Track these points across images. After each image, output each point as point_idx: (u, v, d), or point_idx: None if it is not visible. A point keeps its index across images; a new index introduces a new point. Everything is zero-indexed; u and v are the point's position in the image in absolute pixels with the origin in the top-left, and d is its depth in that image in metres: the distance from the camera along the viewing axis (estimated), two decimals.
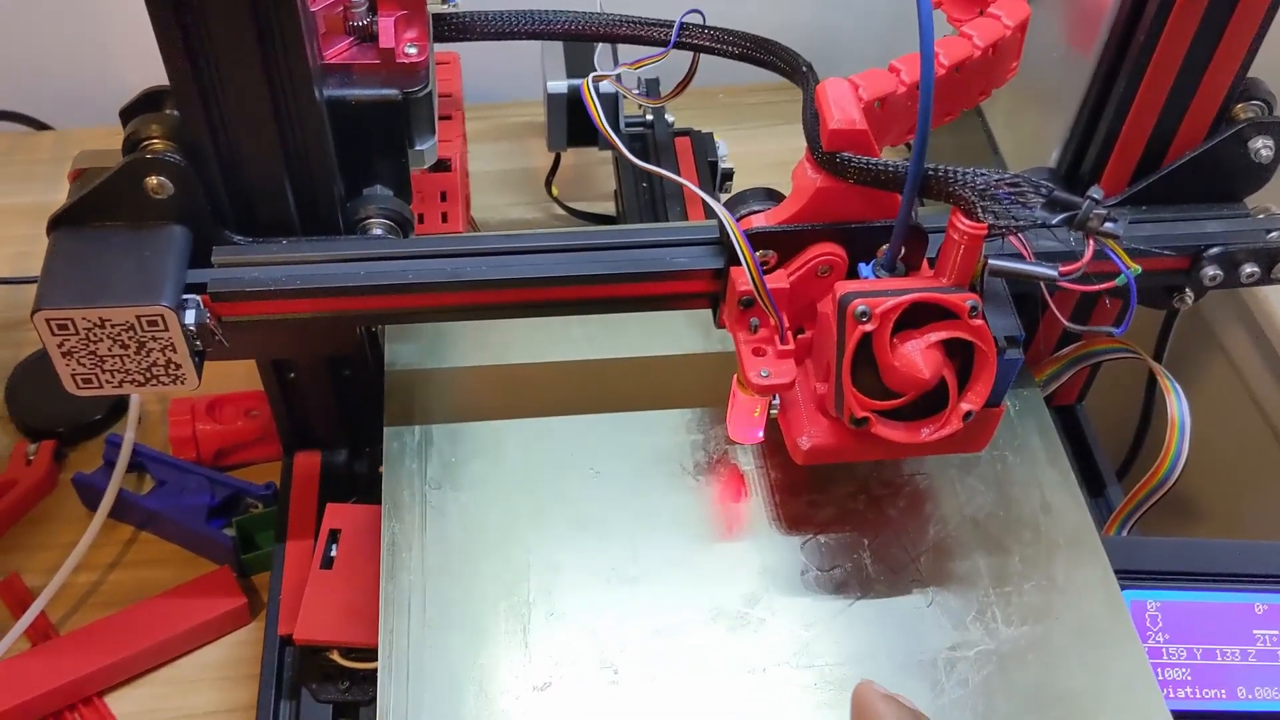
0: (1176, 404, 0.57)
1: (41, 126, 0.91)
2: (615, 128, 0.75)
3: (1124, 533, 0.60)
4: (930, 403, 0.47)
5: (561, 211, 0.84)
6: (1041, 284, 0.45)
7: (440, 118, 0.66)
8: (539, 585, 0.50)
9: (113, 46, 0.85)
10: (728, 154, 0.76)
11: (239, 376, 0.66)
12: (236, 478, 0.67)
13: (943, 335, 0.45)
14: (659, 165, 0.74)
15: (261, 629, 0.61)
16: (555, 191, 0.84)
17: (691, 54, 0.58)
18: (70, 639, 0.61)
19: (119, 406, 0.71)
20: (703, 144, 0.76)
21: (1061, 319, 0.45)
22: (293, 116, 0.46)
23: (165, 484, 0.66)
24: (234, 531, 0.64)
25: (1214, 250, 0.52)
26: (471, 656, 0.48)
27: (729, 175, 0.76)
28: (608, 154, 0.77)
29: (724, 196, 0.77)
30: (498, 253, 0.49)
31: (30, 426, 0.70)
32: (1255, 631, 0.54)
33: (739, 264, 0.47)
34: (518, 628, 0.49)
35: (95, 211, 0.47)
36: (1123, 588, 0.54)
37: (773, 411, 0.51)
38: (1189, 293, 0.56)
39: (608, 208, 0.83)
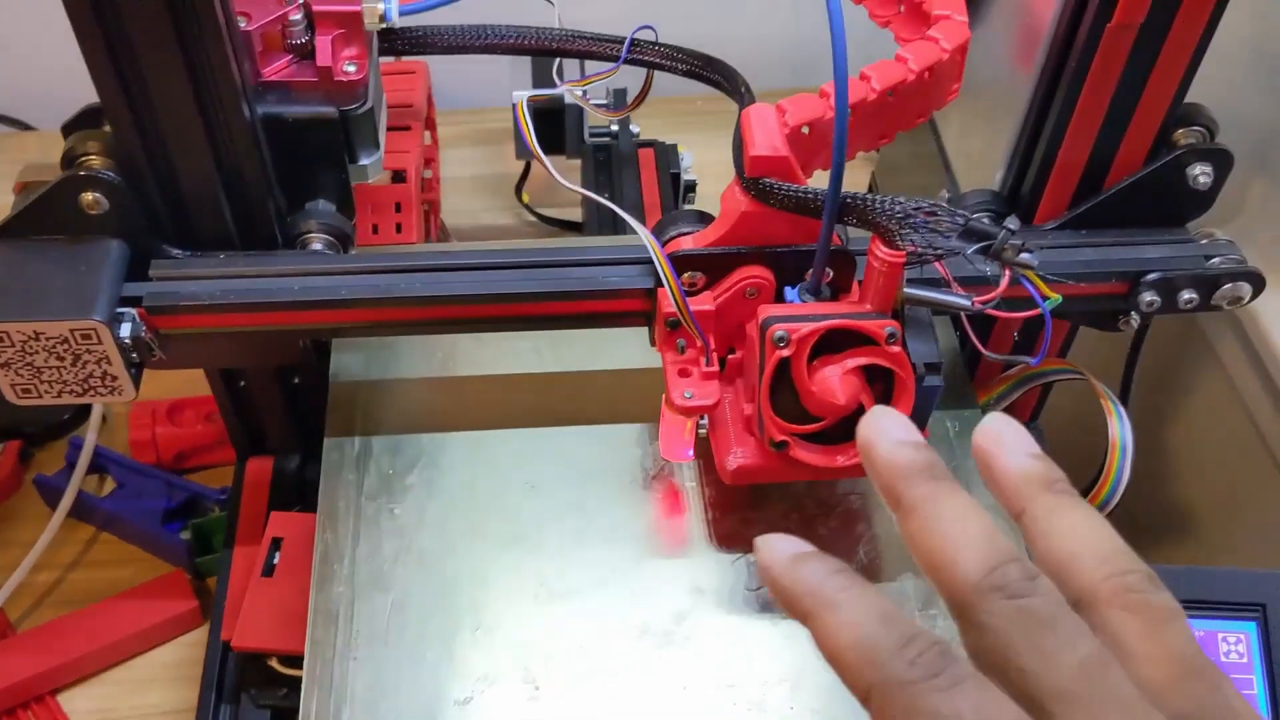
0: (1118, 426, 0.57)
1: (26, 127, 0.93)
2: (580, 139, 0.75)
3: None
4: (852, 427, 0.47)
5: (532, 218, 0.84)
6: (961, 313, 0.45)
7: (397, 128, 0.67)
8: (468, 600, 0.50)
9: None
10: (692, 165, 0.77)
11: (202, 381, 0.67)
12: (194, 481, 0.68)
13: (860, 361, 0.45)
14: (621, 176, 0.74)
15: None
16: (526, 198, 0.84)
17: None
18: (25, 637, 0.62)
19: (85, 408, 0.72)
20: (666, 156, 0.77)
21: (980, 348, 0.45)
22: (225, 134, 0.47)
23: (124, 486, 0.67)
24: (189, 534, 0.65)
25: (1151, 276, 0.52)
26: (396, 670, 0.48)
27: (691, 187, 0.76)
28: (576, 163, 0.77)
29: (687, 207, 0.78)
30: (433, 269, 0.50)
31: None
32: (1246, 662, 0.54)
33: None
34: (444, 641, 0.49)
35: (33, 225, 0.48)
36: None
37: (703, 431, 0.51)
38: (1134, 316, 0.56)
39: (577, 214, 0.83)
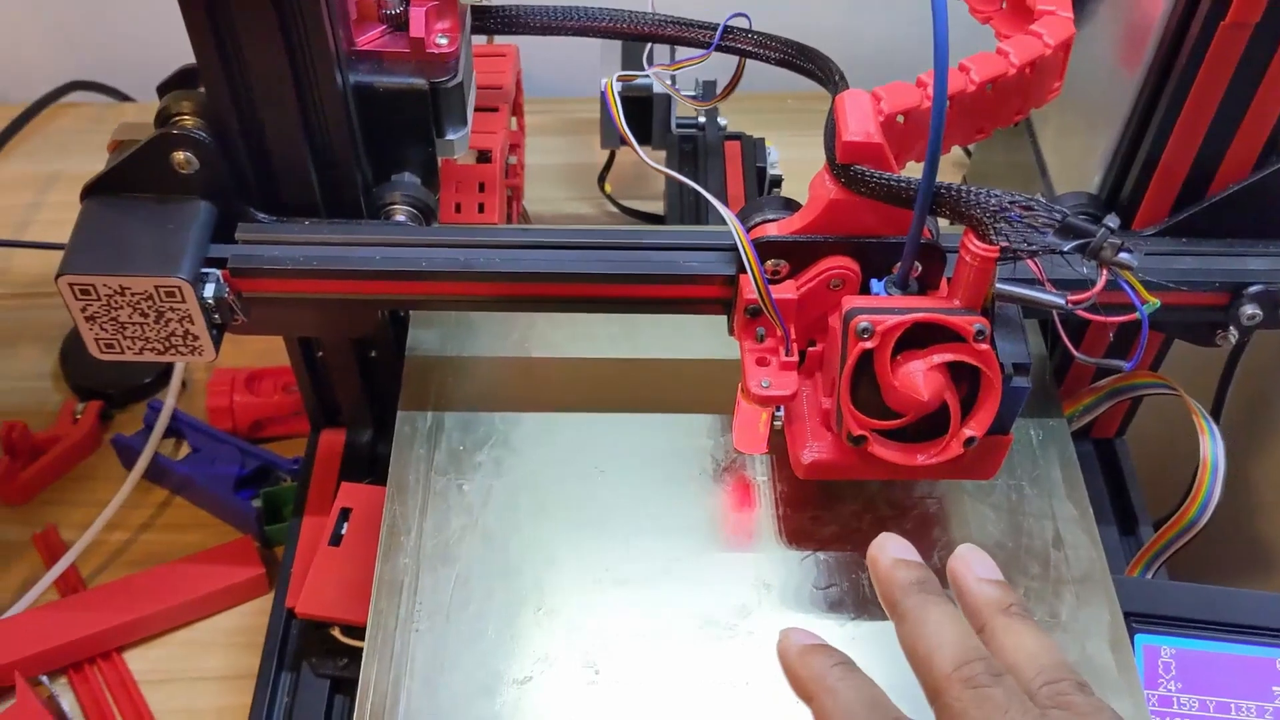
0: (1210, 444, 0.54)
1: (124, 98, 0.95)
2: (667, 129, 0.75)
3: (1149, 574, 0.57)
4: (934, 425, 0.46)
5: (613, 208, 0.84)
6: (1053, 312, 0.43)
7: (485, 109, 0.66)
8: (531, 580, 0.50)
9: None
10: (778, 160, 0.76)
11: (281, 351, 0.67)
12: (268, 450, 0.68)
13: (946, 358, 0.44)
14: (707, 168, 0.74)
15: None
16: (609, 188, 0.84)
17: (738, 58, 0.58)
18: (96, 593, 0.63)
19: (166, 372, 0.73)
20: (753, 149, 0.76)
21: (1071, 349, 0.43)
22: (316, 101, 0.47)
23: (199, 451, 0.68)
24: (260, 502, 0.65)
25: (1254, 288, 0.50)
26: (457, 645, 0.48)
27: (777, 182, 0.75)
28: (661, 154, 0.77)
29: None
30: (512, 246, 0.50)
31: (80, 386, 0.73)
32: (1275, 688, 0.52)
33: (747, 271, 0.46)
34: (506, 620, 0.49)
35: (125, 182, 0.49)
36: (1137, 631, 0.53)
37: (778, 423, 0.50)
38: (1232, 330, 0.54)
39: (658, 207, 0.83)
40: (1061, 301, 0.42)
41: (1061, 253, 0.41)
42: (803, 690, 0.39)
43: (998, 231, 0.42)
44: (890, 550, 0.42)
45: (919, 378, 0.43)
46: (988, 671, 0.36)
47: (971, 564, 0.42)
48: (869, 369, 0.44)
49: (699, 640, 0.49)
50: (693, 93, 0.75)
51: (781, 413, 0.49)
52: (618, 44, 0.75)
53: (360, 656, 0.55)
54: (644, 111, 0.74)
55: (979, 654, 0.37)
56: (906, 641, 0.39)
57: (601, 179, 0.84)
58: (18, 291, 0.80)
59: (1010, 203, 0.41)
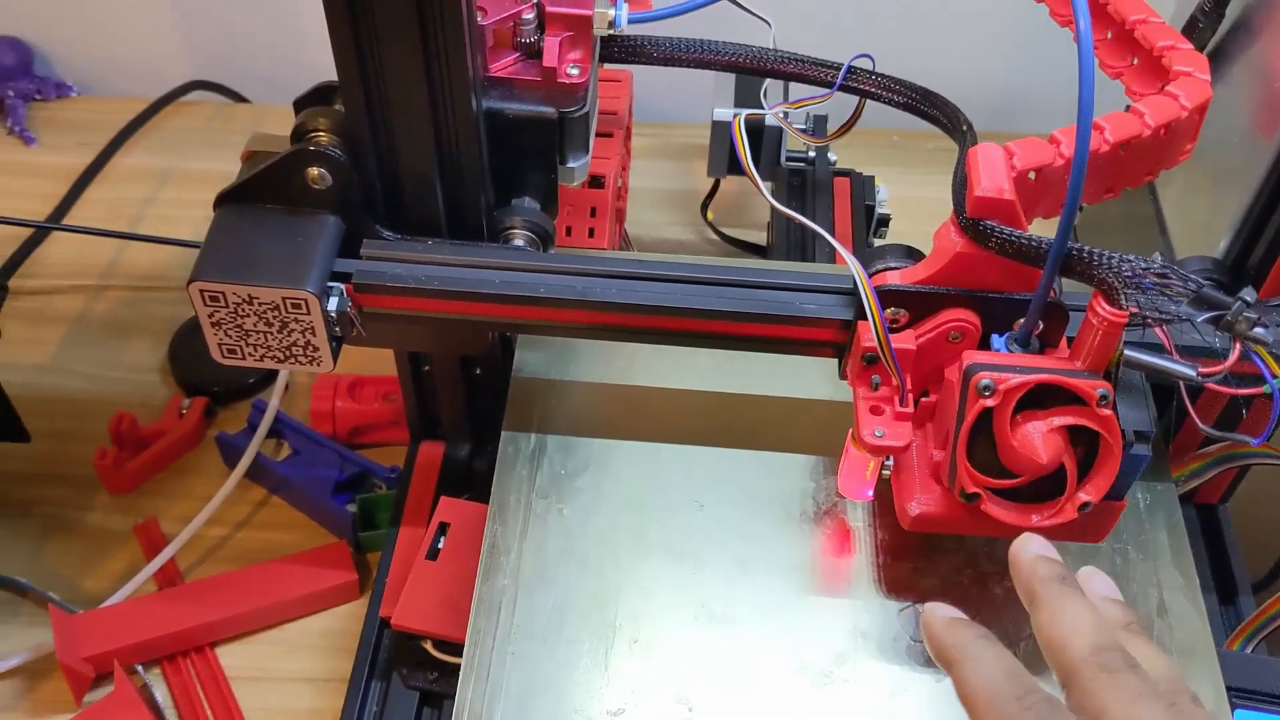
0: None
1: (240, 99, 0.97)
2: (776, 161, 0.75)
3: (1248, 648, 0.56)
4: (1048, 487, 0.45)
5: (714, 236, 0.84)
6: (1180, 383, 0.43)
7: (600, 134, 0.67)
8: (627, 610, 0.50)
9: (311, 31, 0.91)
10: (887, 199, 0.75)
11: (382, 360, 0.68)
12: (366, 457, 0.69)
13: (1067, 421, 0.43)
14: (814, 203, 0.74)
15: (367, 605, 0.63)
16: (711, 216, 0.84)
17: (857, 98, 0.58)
18: (193, 588, 0.65)
19: (271, 373, 0.74)
20: (862, 186, 0.75)
21: (1199, 423, 0.43)
22: (450, 124, 0.48)
23: (300, 453, 0.69)
24: (356, 508, 0.66)
25: None
26: (551, 669, 0.48)
27: (885, 221, 0.75)
28: (768, 186, 0.77)
29: (878, 241, 0.77)
30: (627, 276, 0.50)
31: (188, 382, 0.75)
32: None
33: (867, 318, 0.46)
34: (600, 648, 0.49)
35: (258, 193, 0.50)
36: (1237, 707, 0.51)
37: (885, 472, 0.50)
38: None
39: (760, 237, 0.83)
40: (1192, 373, 0.42)
41: (1194, 322, 0.41)
42: (945, 656, 0.41)
43: (1128, 297, 0.41)
44: (1033, 547, 0.43)
45: (1039, 439, 0.43)
46: (1123, 659, 0.37)
47: (1093, 583, 0.43)
48: (987, 426, 0.44)
49: (793, 685, 0.48)
50: (804, 127, 0.75)
51: (890, 461, 0.49)
52: (730, 77, 0.75)
53: (450, 672, 0.56)
54: (754, 143, 0.74)
55: (1115, 643, 0.38)
56: (1044, 629, 0.40)
57: (705, 206, 0.84)
58: (130, 284, 0.82)
59: (1144, 269, 0.41)
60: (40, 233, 0.84)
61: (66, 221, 0.86)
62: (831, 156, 0.77)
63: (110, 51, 0.97)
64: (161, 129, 0.94)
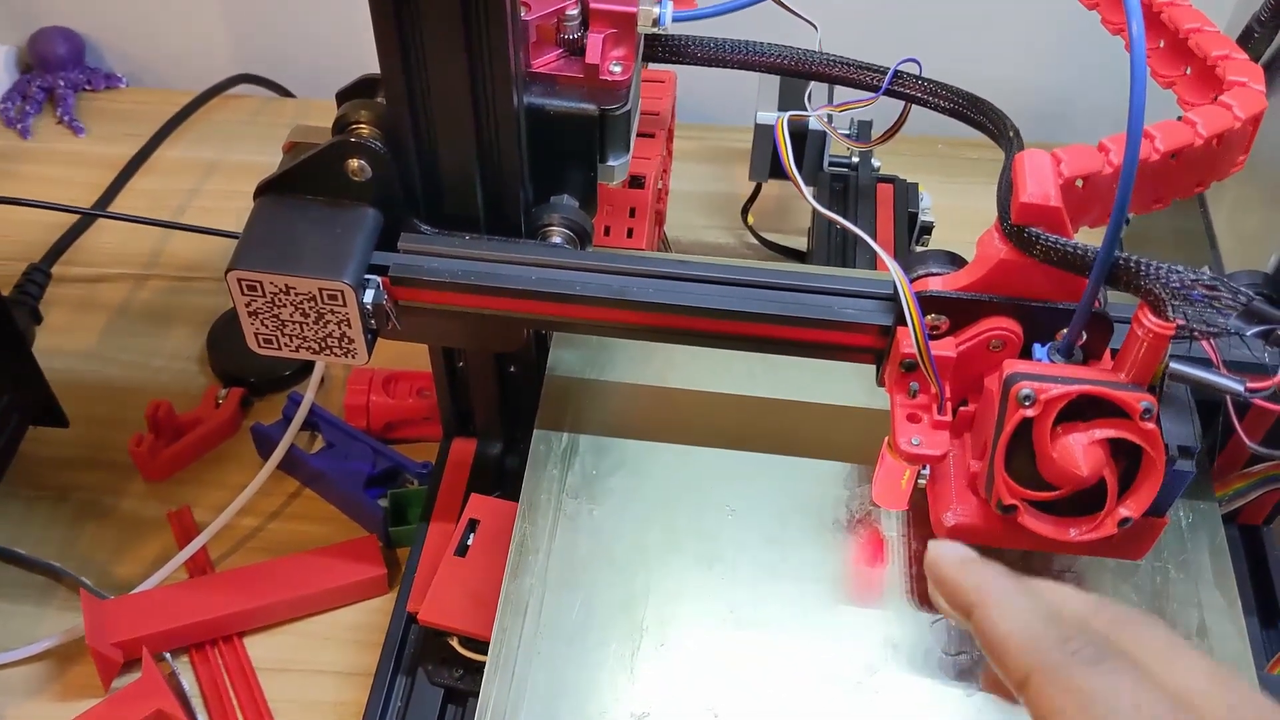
0: None
1: (285, 93, 0.97)
2: (819, 166, 0.74)
3: None
4: (1087, 501, 0.44)
5: (754, 241, 0.84)
6: (1226, 398, 0.42)
7: (642, 135, 0.67)
8: (655, 613, 0.50)
9: (357, 27, 0.91)
10: (931, 206, 0.74)
11: (417, 355, 0.68)
12: (399, 452, 0.69)
13: (1109, 433, 0.42)
14: (857, 209, 0.73)
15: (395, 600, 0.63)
16: (751, 220, 0.84)
17: (903, 103, 0.57)
18: (223, 577, 0.65)
19: (307, 366, 0.75)
20: (905, 193, 0.75)
21: (1245, 440, 0.42)
22: (491, 119, 0.48)
23: (333, 447, 0.69)
24: (387, 502, 0.66)
25: None
26: (577, 670, 0.48)
27: (928, 229, 0.74)
28: (810, 191, 0.76)
29: (920, 249, 0.76)
30: (666, 277, 0.49)
31: (225, 372, 0.75)
32: None
33: (907, 324, 0.46)
34: (627, 650, 0.49)
35: (298, 184, 0.50)
36: None
37: (921, 481, 0.49)
38: None
39: (800, 243, 0.82)
40: (1240, 388, 0.40)
41: (1243, 336, 0.40)
42: (960, 601, 0.38)
43: (1176, 309, 0.40)
44: (953, 551, 0.40)
45: (1079, 451, 0.42)
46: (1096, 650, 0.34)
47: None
48: (1026, 437, 0.43)
49: (821, 694, 0.48)
50: (848, 131, 0.74)
51: (926, 470, 0.48)
52: (774, 79, 0.75)
53: (476, 669, 0.56)
54: (797, 148, 0.73)
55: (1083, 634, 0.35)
56: (997, 630, 0.36)
57: (745, 210, 0.83)
58: (172, 274, 0.83)
59: (1194, 280, 0.40)
60: (85, 221, 0.85)
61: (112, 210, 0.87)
62: (875, 163, 0.77)
63: (159, 44, 0.98)
64: (207, 121, 0.95)
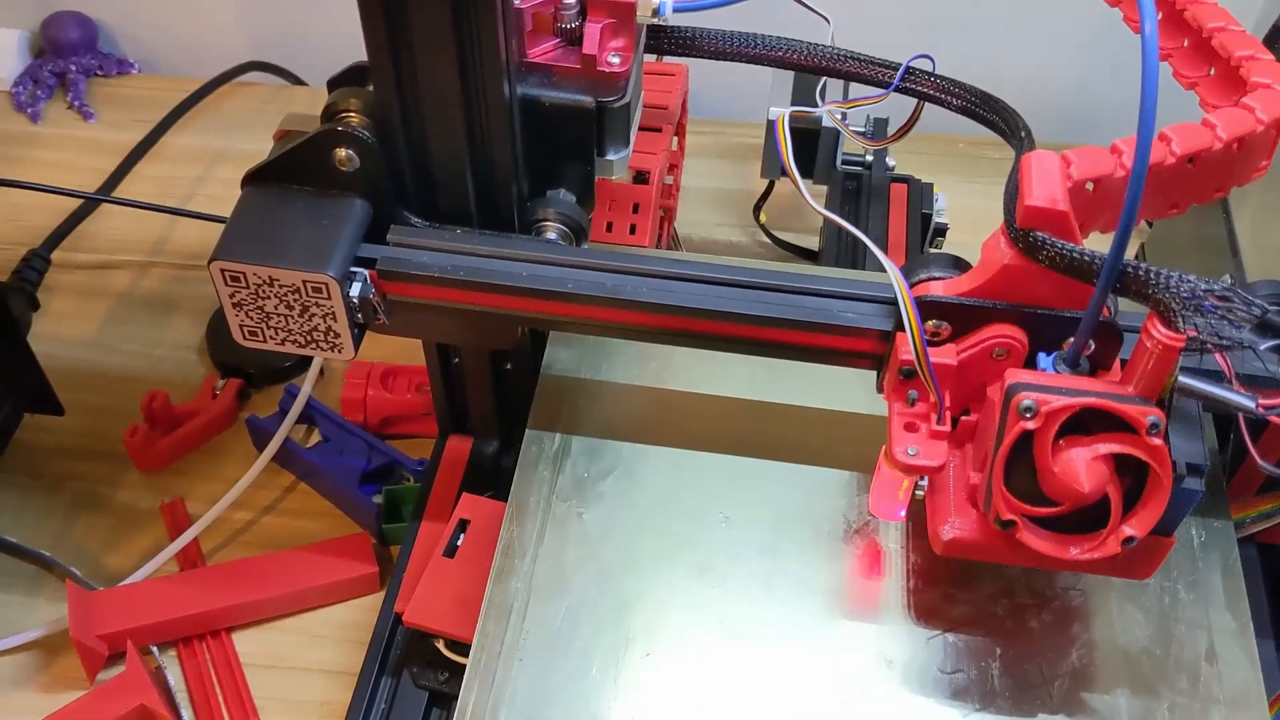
0: None
1: (298, 81, 0.97)
2: (831, 164, 0.73)
3: None
4: (1090, 518, 0.42)
5: (766, 239, 0.82)
6: (1238, 414, 0.40)
7: (648, 129, 0.65)
8: (643, 622, 0.48)
9: None
10: (945, 208, 0.72)
11: (416, 350, 0.67)
12: (395, 448, 0.68)
13: (1113, 449, 0.40)
14: (869, 209, 0.71)
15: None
16: (763, 218, 0.82)
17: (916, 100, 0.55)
18: (213, 571, 0.64)
19: (306, 358, 0.74)
20: (919, 194, 0.73)
21: (1258, 460, 0.40)
22: (481, 110, 0.47)
23: (329, 441, 0.68)
24: (381, 499, 0.65)
25: None
26: (560, 680, 0.47)
27: (941, 231, 0.72)
28: (822, 189, 0.74)
29: (940, 251, 0.74)
30: (660, 276, 0.48)
31: (223, 363, 0.74)
32: None
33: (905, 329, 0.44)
34: (612, 661, 0.47)
35: (285, 173, 0.49)
36: None
37: (920, 492, 0.47)
38: None
39: (813, 242, 0.81)
40: (1251, 405, 0.39)
41: (1257, 350, 0.38)
42: None
43: (1186, 320, 0.38)
44: None
45: (1081, 467, 0.40)
46: None
47: None
48: (1027, 451, 0.41)
49: (811, 710, 0.46)
50: (861, 129, 0.72)
51: (925, 481, 0.46)
52: (789, 75, 0.73)
53: (461, 673, 0.54)
54: (810, 145, 0.71)
55: None
56: None
57: (757, 208, 0.82)
58: (177, 262, 0.82)
59: (1205, 290, 0.38)
60: (89, 207, 0.84)
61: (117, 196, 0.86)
62: (890, 161, 0.75)
63: (172, 30, 0.97)
64: (217, 109, 0.94)
